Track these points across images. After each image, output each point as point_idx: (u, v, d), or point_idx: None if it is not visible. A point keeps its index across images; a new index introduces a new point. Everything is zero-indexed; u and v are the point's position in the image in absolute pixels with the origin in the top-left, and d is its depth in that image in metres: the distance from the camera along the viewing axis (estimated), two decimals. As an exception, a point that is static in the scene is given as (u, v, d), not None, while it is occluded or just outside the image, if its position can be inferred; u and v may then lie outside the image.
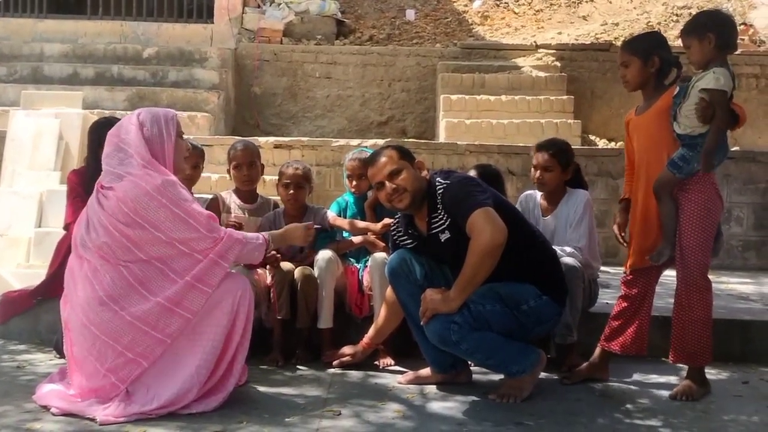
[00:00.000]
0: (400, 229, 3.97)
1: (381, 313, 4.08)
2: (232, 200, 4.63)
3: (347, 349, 4.16)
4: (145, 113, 3.55)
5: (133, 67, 10.50)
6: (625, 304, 3.93)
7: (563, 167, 4.33)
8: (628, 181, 4.10)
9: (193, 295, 3.38)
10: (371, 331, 4.11)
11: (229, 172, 4.69)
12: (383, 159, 3.79)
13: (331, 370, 4.11)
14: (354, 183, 4.61)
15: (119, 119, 3.86)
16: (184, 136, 3.70)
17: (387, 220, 4.28)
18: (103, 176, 3.51)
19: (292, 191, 4.50)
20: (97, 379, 3.36)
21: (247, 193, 4.65)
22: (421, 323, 3.66)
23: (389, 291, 3.99)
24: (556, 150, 4.34)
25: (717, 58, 3.63)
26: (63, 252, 4.42)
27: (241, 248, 3.50)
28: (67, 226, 4.45)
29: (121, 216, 3.36)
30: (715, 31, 3.62)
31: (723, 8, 10.30)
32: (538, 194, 4.49)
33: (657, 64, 3.82)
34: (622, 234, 4.11)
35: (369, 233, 4.46)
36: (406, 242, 3.93)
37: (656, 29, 11.42)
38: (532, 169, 4.40)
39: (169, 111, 3.63)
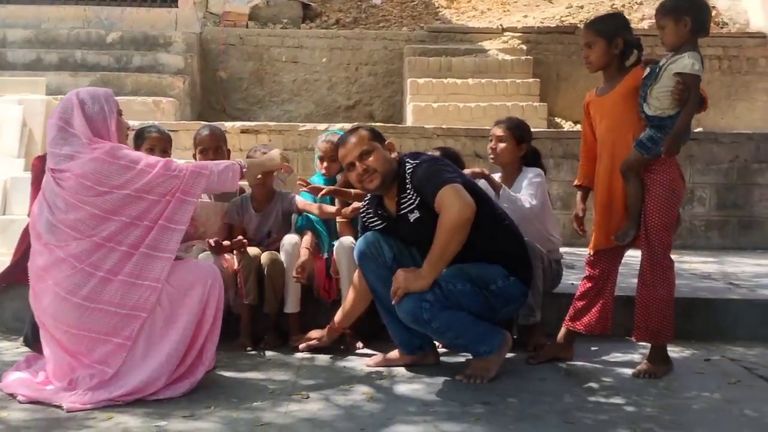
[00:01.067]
0: (369, 210, 3.98)
1: (348, 297, 4.09)
2: (199, 186, 4.59)
3: (314, 333, 4.17)
4: (84, 92, 3.58)
5: (96, 52, 10.39)
6: (589, 285, 3.99)
7: (517, 140, 4.41)
8: (583, 165, 4.13)
9: (168, 236, 3.42)
10: (338, 314, 4.13)
11: (195, 156, 4.66)
12: (354, 140, 3.80)
13: (299, 355, 4.12)
14: (325, 164, 4.61)
15: None
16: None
17: (357, 204, 4.28)
18: (49, 160, 3.50)
19: (259, 176, 4.49)
20: (100, 348, 3.34)
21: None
22: (393, 303, 3.67)
23: (357, 275, 4.01)
24: (511, 123, 4.46)
25: (689, 41, 3.66)
26: (27, 239, 4.37)
27: (207, 180, 3.55)
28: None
29: (84, 191, 3.37)
30: (691, 15, 3.64)
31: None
32: (497, 176, 4.55)
33: (621, 45, 3.84)
34: (582, 227, 4.14)
35: (338, 217, 4.48)
36: (375, 223, 3.94)
37: (620, 12, 11.51)
38: (488, 144, 4.49)
39: (107, 90, 3.66)
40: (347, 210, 4.39)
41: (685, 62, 3.61)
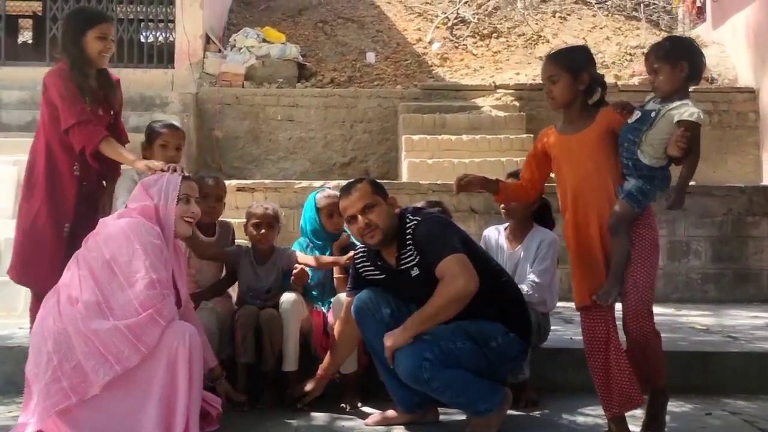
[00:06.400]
0: (366, 262, 3.93)
1: (334, 343, 4.06)
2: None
3: (307, 386, 4.09)
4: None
5: (93, 112, 10.44)
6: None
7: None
8: (512, 186, 4.06)
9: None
10: (325, 361, 4.07)
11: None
12: (357, 192, 3.76)
13: (298, 414, 4.06)
14: (333, 219, 4.52)
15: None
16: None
17: (353, 253, 4.26)
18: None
19: (263, 231, 4.47)
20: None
21: (207, 226, 4.59)
22: (389, 364, 3.64)
23: (339, 321, 4.00)
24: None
25: (682, 88, 3.46)
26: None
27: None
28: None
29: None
30: (688, 60, 3.43)
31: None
32: (502, 227, 4.57)
33: (586, 81, 3.55)
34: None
35: (335, 274, 4.48)
36: (373, 274, 3.90)
37: (610, 68, 11.69)
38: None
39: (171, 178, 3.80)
40: (342, 259, 4.39)
41: (692, 110, 3.35)
